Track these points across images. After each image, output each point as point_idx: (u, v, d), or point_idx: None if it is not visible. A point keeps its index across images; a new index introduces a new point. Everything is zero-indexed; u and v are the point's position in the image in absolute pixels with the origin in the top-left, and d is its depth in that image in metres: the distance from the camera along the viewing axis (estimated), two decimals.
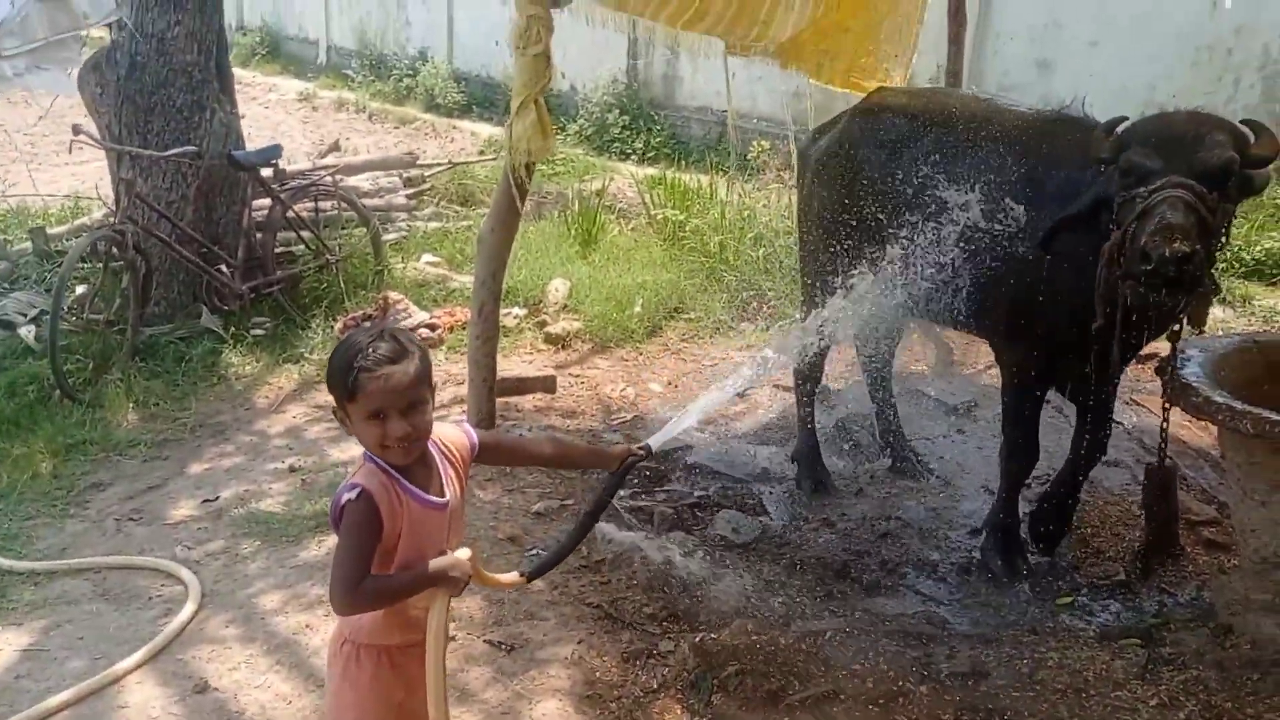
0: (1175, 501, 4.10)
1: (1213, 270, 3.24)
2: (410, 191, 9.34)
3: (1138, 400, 5.42)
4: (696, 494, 4.63)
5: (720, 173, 8.92)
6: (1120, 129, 3.35)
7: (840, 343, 5.04)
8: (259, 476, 4.93)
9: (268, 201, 6.77)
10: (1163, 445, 3.61)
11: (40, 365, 5.78)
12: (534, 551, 4.07)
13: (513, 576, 2.57)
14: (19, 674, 3.53)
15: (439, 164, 10.20)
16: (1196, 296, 3.22)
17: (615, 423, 5.45)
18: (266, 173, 6.74)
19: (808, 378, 4.79)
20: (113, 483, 4.93)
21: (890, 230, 4.01)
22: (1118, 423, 5.07)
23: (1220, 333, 5.47)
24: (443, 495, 2.31)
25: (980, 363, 5.99)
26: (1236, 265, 7.13)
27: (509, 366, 5.91)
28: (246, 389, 5.91)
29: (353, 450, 4.58)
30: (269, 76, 17.98)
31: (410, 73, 15.67)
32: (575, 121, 12.97)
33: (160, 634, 3.68)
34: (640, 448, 2.70)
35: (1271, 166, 3.23)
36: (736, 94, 11.08)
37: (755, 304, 7.07)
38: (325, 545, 4.14)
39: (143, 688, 3.45)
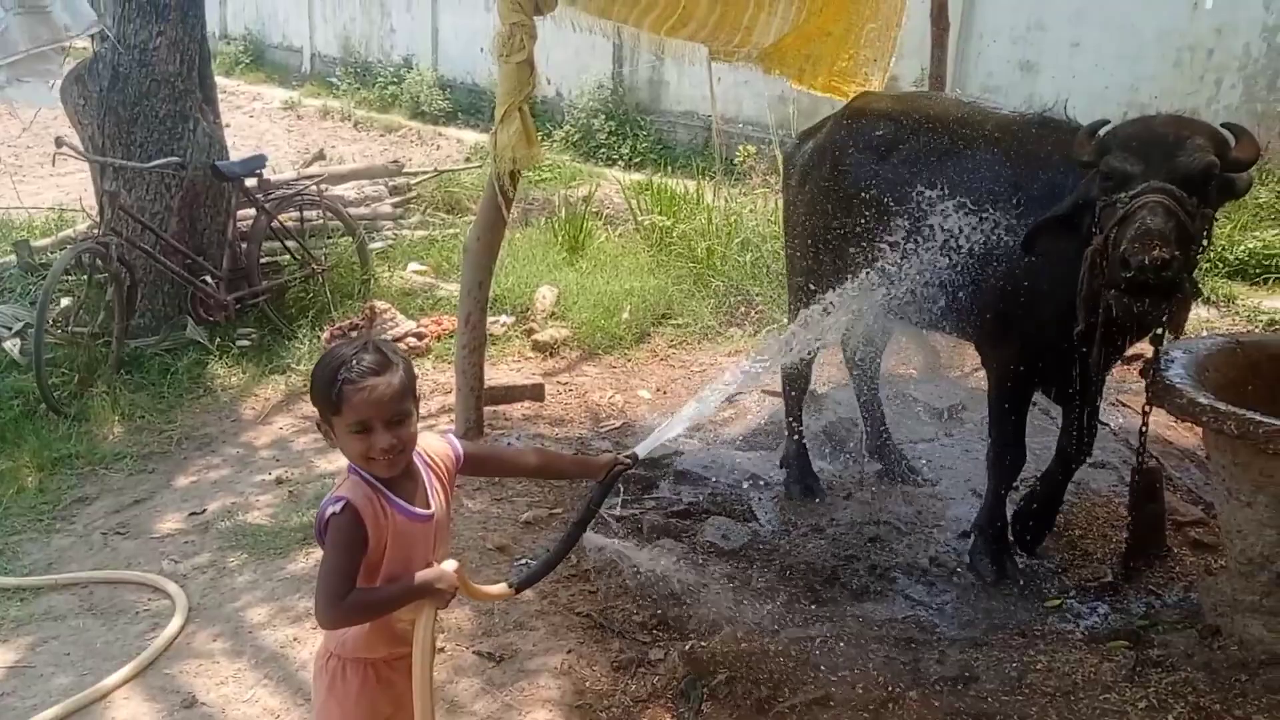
0: (1162, 502, 4.13)
1: (1194, 274, 3.24)
2: (396, 200, 9.33)
3: (1123, 401, 5.43)
4: (685, 501, 4.63)
5: (707, 178, 8.93)
6: (1102, 132, 3.37)
7: (828, 347, 5.05)
8: (246, 489, 4.91)
9: (252, 211, 6.75)
10: (1142, 447, 3.63)
11: (25, 379, 5.75)
12: (523, 561, 4.06)
13: (501, 588, 2.56)
14: (4, 691, 3.51)
15: (424, 172, 10.19)
16: (1177, 301, 3.23)
17: (604, 430, 5.44)
18: (251, 183, 6.72)
19: (796, 383, 4.79)
20: (99, 496, 4.90)
21: (875, 234, 4.01)
22: (1104, 424, 5.09)
23: (1204, 333, 5.50)
24: (428, 507, 2.30)
25: (967, 365, 6.00)
26: (1220, 265, 7.16)
27: (497, 375, 5.89)
28: (232, 400, 5.88)
29: (339, 461, 4.57)
30: (253, 85, 17.96)
31: (395, 80, 15.68)
32: (561, 127, 12.99)
33: (147, 649, 3.66)
34: (627, 456, 2.70)
35: (1252, 169, 3.25)
36: (722, 98, 11.15)
37: (743, 309, 7.09)
38: (312, 557, 4.12)
39: (130, 703, 3.43)
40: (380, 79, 15.96)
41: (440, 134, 13.84)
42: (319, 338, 6.37)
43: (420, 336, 6.43)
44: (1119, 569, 3.85)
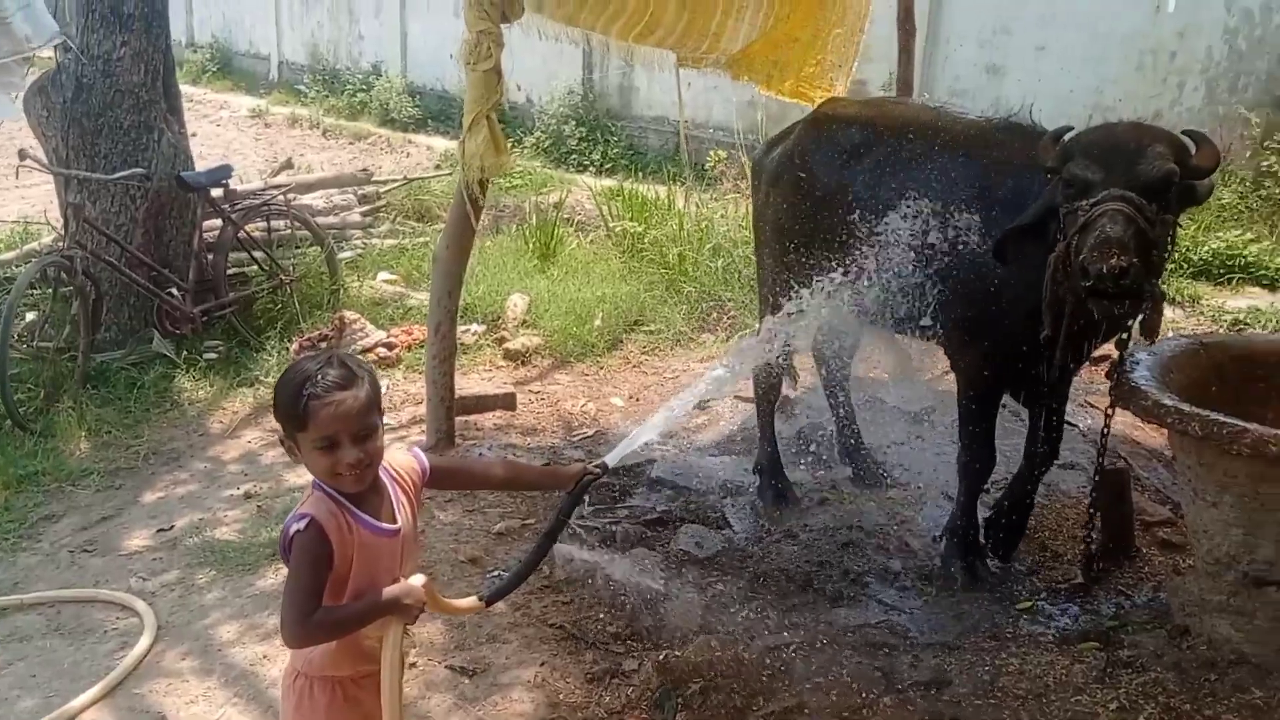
0: (1129, 503, 4.17)
1: (1158, 280, 3.27)
2: (365, 208, 9.27)
3: (1092, 403, 5.48)
4: (659, 509, 4.61)
5: (678, 183, 8.94)
6: (1065, 138, 3.39)
7: (799, 352, 5.06)
8: (214, 504, 4.86)
9: (219, 222, 6.69)
10: (1102, 449, 3.65)
11: None
12: (495, 573, 4.03)
13: (471, 601, 2.54)
14: None
15: (394, 180, 10.14)
16: (1149, 307, 3.26)
17: (576, 438, 5.43)
18: (217, 193, 6.67)
19: (768, 388, 4.79)
20: (65, 514, 4.84)
21: (842, 240, 4.02)
22: (1072, 425, 5.13)
23: (1170, 334, 5.55)
24: (394, 522, 2.28)
25: (938, 369, 6.02)
26: (1185, 266, 7.25)
27: (468, 384, 5.87)
28: (200, 414, 5.82)
29: (308, 475, 4.52)
30: (220, 93, 17.82)
31: (364, 87, 15.60)
32: (532, 134, 12.97)
33: (116, 668, 3.61)
34: (596, 466, 2.69)
35: (1213, 175, 3.29)
36: (692, 104, 11.18)
37: (715, 315, 7.09)
38: (282, 574, 4.03)
39: None
40: (349, 86, 15.87)
41: (410, 141, 13.78)
42: (288, 349, 6.32)
43: (390, 346, 6.40)
44: (1088, 570, 3.87)
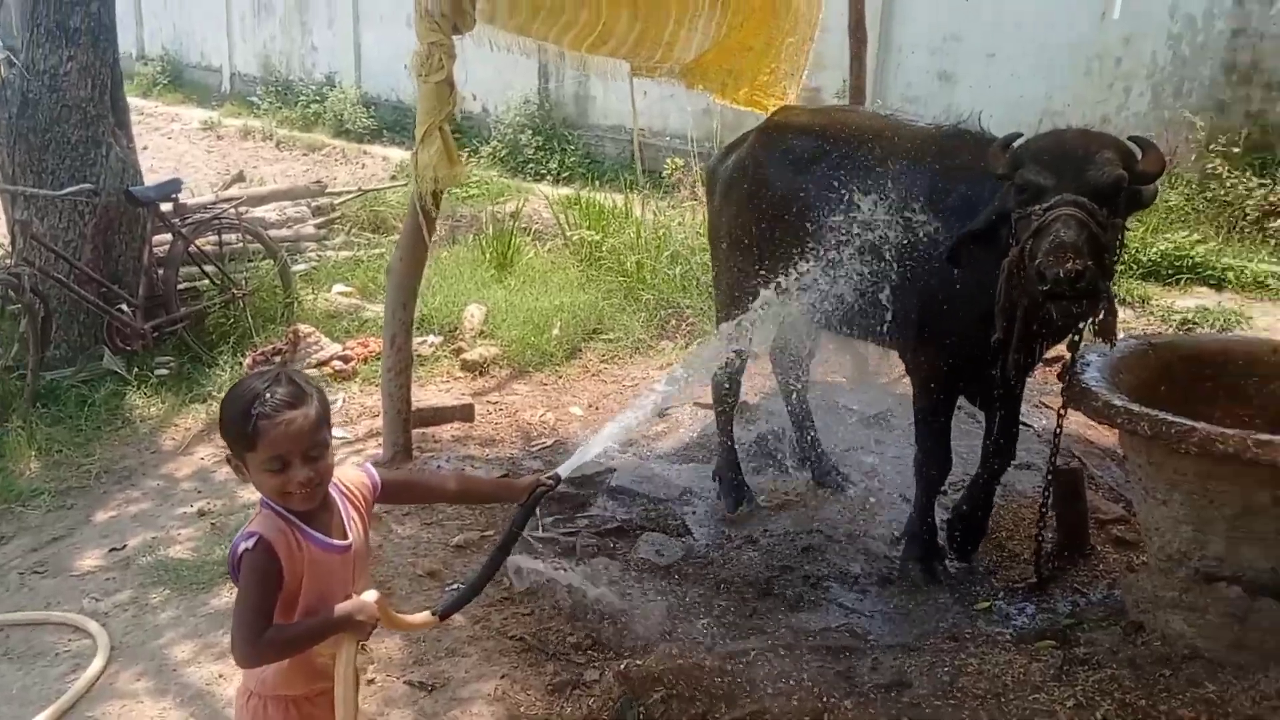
0: (1084, 502, 4.22)
1: (1110, 283, 3.32)
2: (319, 220, 9.18)
3: (1047, 404, 5.54)
4: (619, 518, 4.60)
5: (635, 191, 8.96)
6: (1015, 145, 3.44)
7: (757, 358, 5.08)
8: (167, 522, 4.79)
9: (169, 237, 6.60)
10: (1055, 449, 3.70)
11: None
12: (454, 586, 4.00)
13: (424, 616, 2.51)
14: None
15: (348, 191, 10.05)
16: (1105, 309, 3.31)
17: (535, 449, 5.40)
18: (166, 207, 6.58)
19: (726, 394, 4.81)
20: (15, 535, 4.74)
21: (798, 246, 4.04)
22: (1028, 426, 5.19)
23: (1121, 334, 5.62)
24: (345, 538, 2.26)
25: (895, 372, 6.07)
26: (1134, 267, 7.36)
27: (425, 396, 5.83)
28: (152, 431, 5.73)
29: None
30: (171, 106, 17.61)
31: (317, 98, 15.49)
32: (488, 143, 12.94)
33: (68, 691, 3.54)
34: (549, 477, 2.68)
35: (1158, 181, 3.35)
36: (648, 112, 11.21)
37: (674, 322, 7.10)
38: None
39: None
40: (302, 97, 15.75)
41: (365, 152, 13.70)
42: (241, 364, 6.24)
43: (346, 359, 6.34)
44: (1043, 569, 3.91)
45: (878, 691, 3.31)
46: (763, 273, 4.23)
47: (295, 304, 7.11)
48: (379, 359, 5.73)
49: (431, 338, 6.71)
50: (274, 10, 17.22)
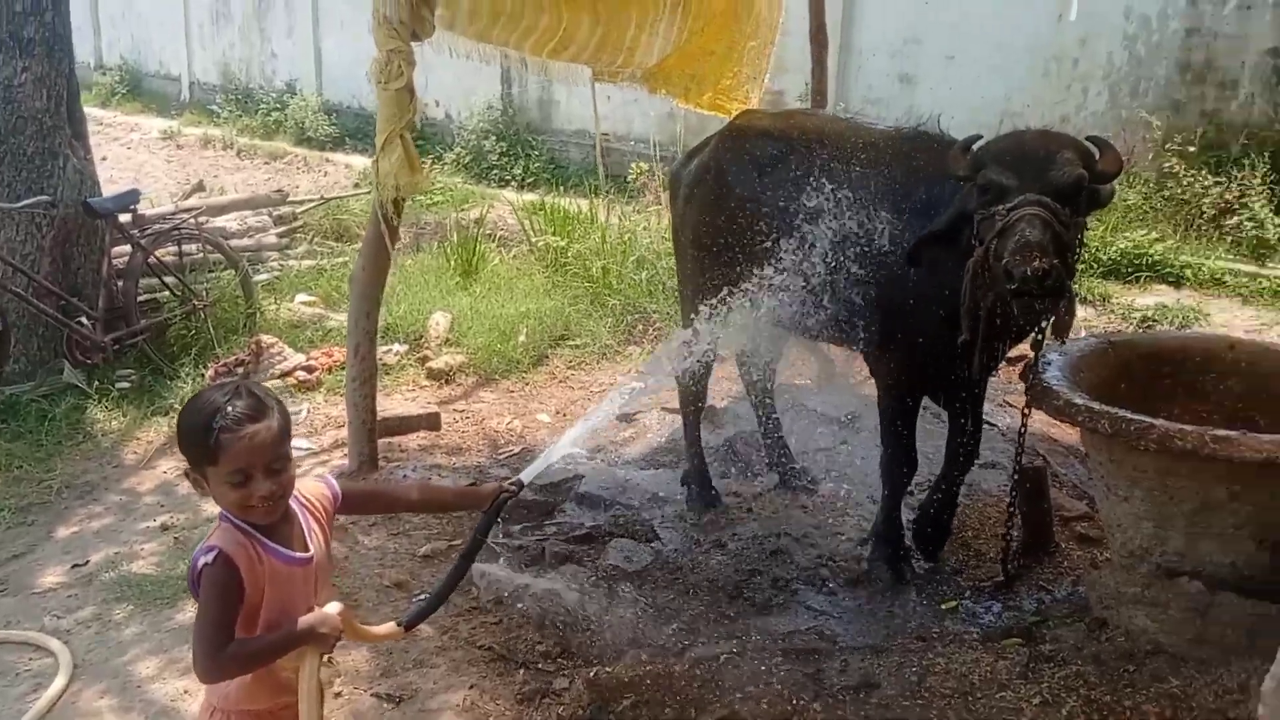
0: (1048, 500, 4.26)
1: (1071, 281, 3.36)
2: (281, 229, 9.11)
3: (1011, 402, 5.59)
4: (588, 525, 4.58)
5: (599, 196, 8.95)
6: (975, 147, 3.46)
7: (723, 361, 5.09)
8: (130, 537, 4.72)
9: (128, 248, 6.54)
10: (1020, 448, 3.73)
11: None
12: (421, 596, 3.98)
13: (389, 627, 2.50)
14: None
15: (311, 200, 9.98)
16: (1064, 308, 3.34)
17: (503, 456, 5.39)
18: (125, 218, 6.51)
19: (693, 399, 4.81)
20: None
21: (761, 250, 4.06)
22: (992, 425, 5.23)
23: (1082, 332, 5.69)
24: (306, 550, 2.25)
25: (861, 374, 6.10)
26: (1094, 266, 7.45)
27: (391, 405, 5.79)
28: (114, 445, 5.66)
29: None
30: (130, 116, 17.41)
31: (278, 106, 15.37)
32: (452, 150, 12.89)
33: (28, 711, 3.48)
34: (512, 484, 2.67)
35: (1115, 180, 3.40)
36: (612, 116, 11.21)
37: (640, 327, 7.10)
38: None
39: None
40: (263, 105, 15.62)
41: (328, 160, 13.61)
42: (203, 376, 6.18)
43: (310, 370, 6.29)
44: (1008, 567, 3.95)
45: (846, 693, 3.33)
46: (727, 276, 4.24)
47: (258, 314, 7.04)
48: (343, 369, 5.69)
49: (397, 346, 6.67)
50: (232, 18, 17.07)
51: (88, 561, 4.53)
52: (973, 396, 3.97)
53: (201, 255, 7.29)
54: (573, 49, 5.34)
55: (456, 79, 12.13)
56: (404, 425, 5.55)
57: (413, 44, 4.52)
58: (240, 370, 6.16)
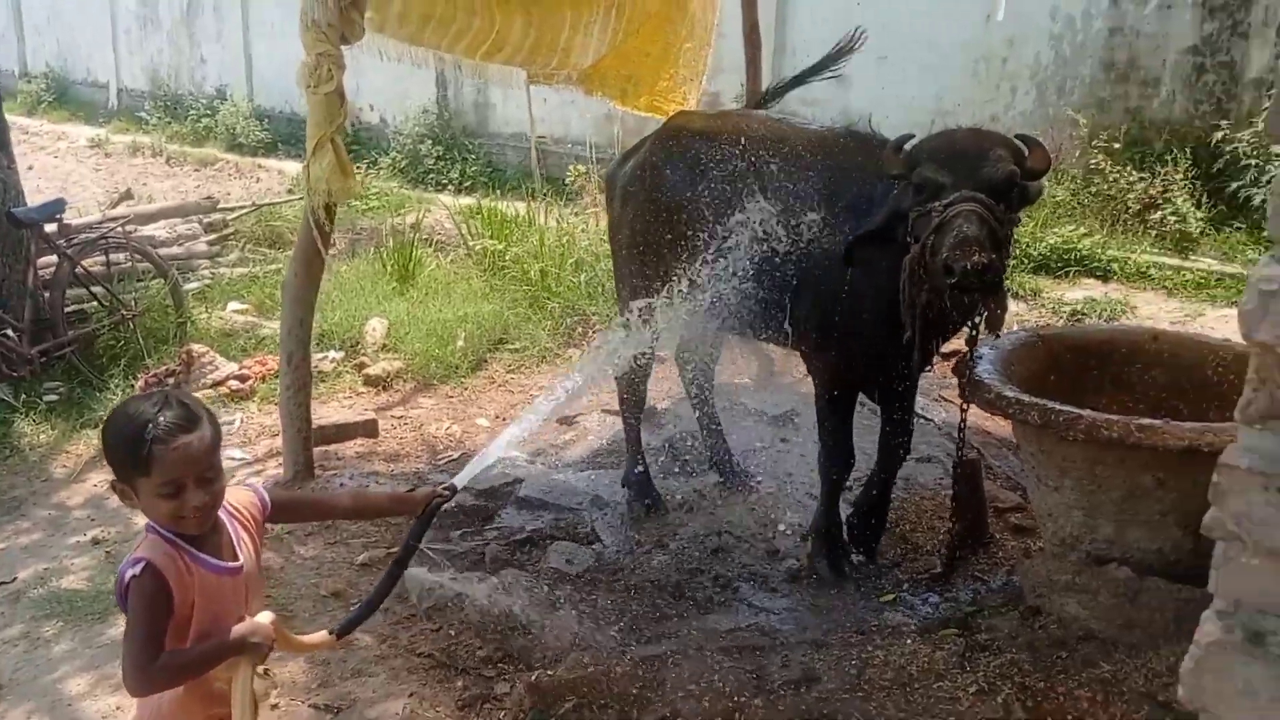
0: (983, 491, 4.33)
1: (1004, 276, 3.42)
2: (212, 237, 8.95)
3: (945, 397, 5.67)
4: (528, 528, 4.56)
5: (537, 199, 8.92)
6: (909, 146, 3.51)
7: (663, 362, 5.09)
8: (59, 552, 4.61)
9: (54, 258, 6.39)
10: (961, 440, 3.79)
11: None
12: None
13: (321, 636, 2.46)
14: None
15: (242, 206, 9.83)
16: (995, 303, 3.40)
17: (442, 462, 5.34)
18: (51, 228, 6.38)
19: (633, 400, 4.81)
20: None
21: (696, 250, 4.07)
22: (928, 419, 5.30)
23: (1014, 327, 5.79)
24: (235, 559, 2.21)
25: (799, 372, 6.15)
26: (1025, 261, 7.58)
27: (328, 413, 5.72)
28: (42, 459, 5.53)
29: None
30: (57, 124, 17.01)
31: (209, 112, 15.12)
32: (388, 154, 12.76)
33: None
34: (445, 488, 2.65)
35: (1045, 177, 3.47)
36: (549, 118, 11.20)
37: (580, 329, 7.08)
38: None
39: None
40: (193, 111, 15.35)
41: (260, 166, 13.41)
42: (133, 387, 6.05)
43: (243, 379, 6.18)
44: (943, 558, 4.00)
45: (788, 688, 3.33)
46: (663, 277, 4.25)
47: (188, 323, 6.93)
48: (277, 377, 5.61)
49: (332, 353, 6.59)
50: (161, 23, 16.75)
51: (15, 578, 4.42)
52: (906, 391, 4.02)
53: (130, 264, 7.16)
54: (506, 51, 5.32)
55: (390, 82, 12.03)
56: (341, 433, 5.49)
57: (343, 48, 4.47)
58: (171, 380, 6.05)
